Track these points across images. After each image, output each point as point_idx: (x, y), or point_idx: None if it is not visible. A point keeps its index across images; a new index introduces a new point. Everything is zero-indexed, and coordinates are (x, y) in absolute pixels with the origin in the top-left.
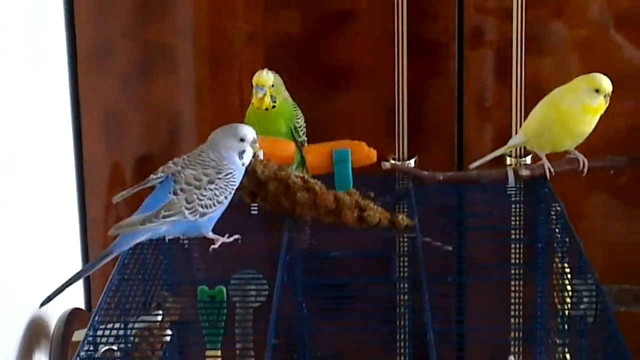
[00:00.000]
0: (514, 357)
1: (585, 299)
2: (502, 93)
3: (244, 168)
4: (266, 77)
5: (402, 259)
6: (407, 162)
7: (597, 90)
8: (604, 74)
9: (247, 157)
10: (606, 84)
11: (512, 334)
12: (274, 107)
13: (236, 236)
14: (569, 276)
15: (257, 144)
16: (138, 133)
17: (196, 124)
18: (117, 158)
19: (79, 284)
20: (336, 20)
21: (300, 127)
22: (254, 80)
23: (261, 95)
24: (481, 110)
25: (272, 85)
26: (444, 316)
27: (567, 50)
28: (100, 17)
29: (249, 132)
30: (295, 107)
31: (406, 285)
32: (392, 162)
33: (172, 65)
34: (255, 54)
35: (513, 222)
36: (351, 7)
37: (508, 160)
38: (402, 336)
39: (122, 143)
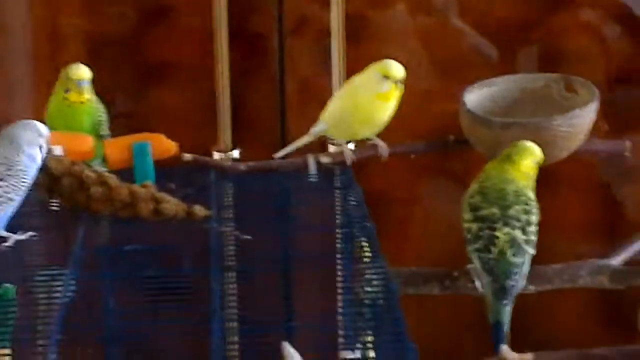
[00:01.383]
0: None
1: (375, 283)
2: (324, 82)
3: (35, 164)
4: (87, 71)
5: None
6: (231, 153)
7: (386, 77)
8: (398, 62)
9: (37, 154)
10: (395, 70)
11: (340, 322)
12: (89, 100)
13: (30, 233)
14: (367, 261)
15: (49, 140)
16: None
17: None
18: None
19: None
20: (156, 16)
21: (103, 121)
22: (75, 75)
23: (87, 88)
24: (304, 100)
25: None
26: (271, 305)
27: (387, 38)
28: None
29: (37, 128)
30: (98, 102)
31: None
32: (198, 153)
33: None
34: (78, 50)
35: (337, 210)
36: (170, 1)
37: (331, 148)
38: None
39: None
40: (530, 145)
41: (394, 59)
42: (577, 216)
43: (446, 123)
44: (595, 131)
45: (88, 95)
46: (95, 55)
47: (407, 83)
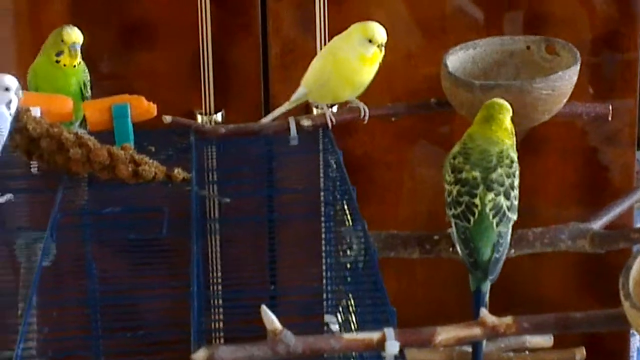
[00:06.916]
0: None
1: (355, 246)
2: (307, 44)
3: (7, 120)
4: (79, 34)
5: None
6: (214, 116)
7: (370, 40)
8: (381, 23)
9: (14, 107)
10: (379, 34)
11: (324, 286)
12: (80, 63)
13: (9, 196)
14: (347, 225)
15: (19, 92)
16: None
17: None
18: None
19: None
20: None
21: (88, 82)
22: (69, 39)
23: (79, 53)
24: (287, 63)
25: None
26: (255, 269)
27: None
28: None
29: (12, 80)
30: (84, 63)
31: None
32: (173, 116)
33: None
34: (59, 9)
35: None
36: None
37: (315, 111)
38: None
39: None
40: (503, 101)
41: (377, 20)
42: (560, 179)
43: (429, 85)
44: (580, 95)
45: (80, 58)
46: (78, 15)
47: (390, 45)
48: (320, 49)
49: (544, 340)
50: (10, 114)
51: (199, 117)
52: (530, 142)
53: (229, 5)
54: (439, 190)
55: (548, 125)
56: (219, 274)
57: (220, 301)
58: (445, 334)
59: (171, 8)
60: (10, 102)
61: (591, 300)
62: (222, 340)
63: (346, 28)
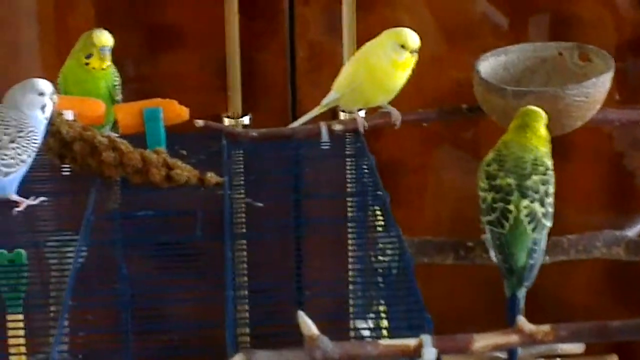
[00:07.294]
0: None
1: (388, 252)
2: (335, 49)
3: (42, 124)
4: (109, 37)
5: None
6: (241, 119)
7: (402, 46)
8: (414, 30)
9: (48, 111)
10: (412, 40)
11: (351, 288)
12: (109, 66)
13: (42, 198)
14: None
15: (53, 96)
16: None
17: None
18: None
19: None
20: None
21: (118, 86)
22: (99, 41)
23: (108, 56)
24: (314, 67)
25: None
26: (282, 273)
27: (398, 4)
28: None
29: (46, 85)
30: (113, 67)
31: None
32: (205, 120)
33: None
34: (86, 13)
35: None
36: None
37: (342, 115)
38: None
39: None
40: (538, 109)
41: (403, 25)
42: (589, 186)
43: (455, 90)
44: (607, 100)
45: (109, 61)
46: (104, 19)
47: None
48: (347, 53)
49: (576, 346)
50: (45, 118)
51: (226, 121)
52: (557, 147)
53: (256, 9)
54: (464, 195)
55: (575, 130)
56: (246, 278)
57: (247, 306)
58: (482, 341)
59: (198, 11)
60: (44, 106)
61: (621, 307)
62: (247, 345)
63: (373, 33)
